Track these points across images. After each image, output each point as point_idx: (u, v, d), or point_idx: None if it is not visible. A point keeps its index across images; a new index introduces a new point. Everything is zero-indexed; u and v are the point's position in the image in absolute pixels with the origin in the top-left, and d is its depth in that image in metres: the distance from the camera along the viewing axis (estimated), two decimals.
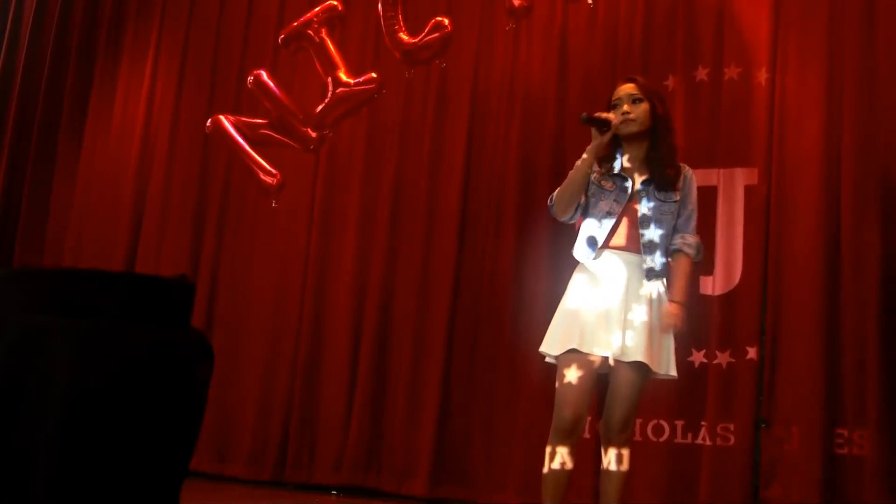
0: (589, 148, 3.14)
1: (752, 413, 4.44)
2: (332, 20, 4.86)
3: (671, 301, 3.11)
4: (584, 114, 3.18)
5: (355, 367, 5.22)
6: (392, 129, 5.41)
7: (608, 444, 3.09)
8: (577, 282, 3.17)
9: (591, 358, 3.04)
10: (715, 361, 4.53)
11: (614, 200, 3.17)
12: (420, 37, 4.65)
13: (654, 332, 3.06)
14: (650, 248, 3.12)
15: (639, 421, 4.58)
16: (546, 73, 5.10)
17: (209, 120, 5.05)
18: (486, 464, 4.85)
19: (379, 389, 5.16)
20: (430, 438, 4.93)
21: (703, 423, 4.51)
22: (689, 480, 4.48)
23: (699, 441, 4.51)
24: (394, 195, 5.34)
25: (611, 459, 3.07)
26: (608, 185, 3.20)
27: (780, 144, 4.61)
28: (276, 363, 5.41)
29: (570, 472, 3.04)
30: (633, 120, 3.18)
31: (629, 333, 3.04)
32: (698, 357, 4.60)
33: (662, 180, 3.15)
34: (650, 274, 3.10)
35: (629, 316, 3.05)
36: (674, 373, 3.12)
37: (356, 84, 4.75)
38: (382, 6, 4.70)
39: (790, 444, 4.37)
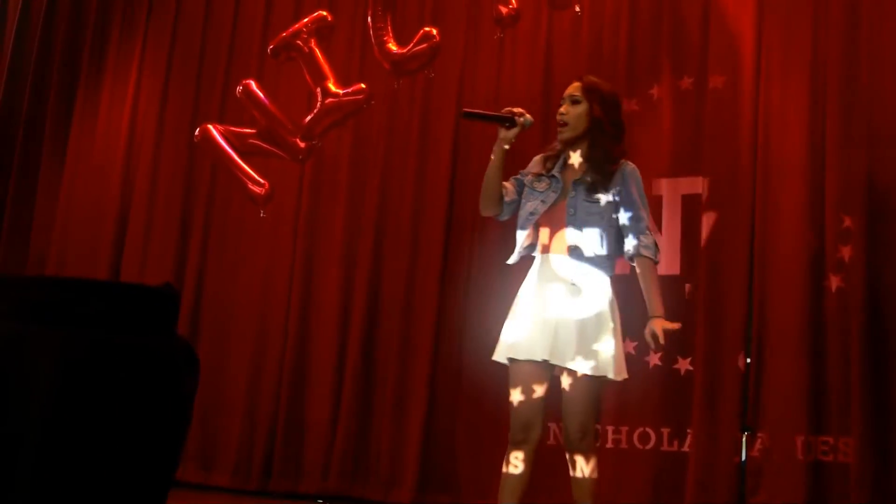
0: (495, 145, 3.15)
1: (737, 420, 4.47)
2: (321, 30, 4.85)
3: (653, 317, 3.07)
4: (465, 109, 3.20)
5: (341, 375, 5.21)
6: (378, 137, 5.41)
7: (571, 452, 3.08)
8: (523, 288, 3.20)
9: (533, 364, 3.06)
10: (701, 369, 4.55)
11: (541, 201, 3.17)
12: (408, 47, 4.66)
13: (590, 334, 3.03)
14: (576, 251, 3.09)
15: (624, 429, 4.60)
16: (531, 82, 5.12)
17: (197, 129, 5.03)
18: (472, 471, 4.85)
19: (365, 398, 5.15)
20: (416, 446, 4.93)
21: (688, 430, 4.52)
22: (675, 488, 4.49)
23: (685, 448, 4.52)
24: (379, 203, 5.34)
25: (579, 467, 3.06)
26: (541, 186, 3.20)
27: (765, 153, 4.64)
28: (261, 372, 5.39)
29: (524, 477, 3.04)
30: (565, 125, 3.18)
31: (567, 338, 3.02)
32: (684, 365, 4.62)
33: (590, 182, 3.13)
34: (577, 278, 3.07)
35: (566, 320, 3.04)
36: (624, 376, 3.09)
37: (345, 94, 4.75)
38: (372, 17, 4.70)
39: (775, 451, 4.38)
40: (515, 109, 3.13)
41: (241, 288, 5.56)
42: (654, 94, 4.90)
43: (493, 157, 3.16)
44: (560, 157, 3.23)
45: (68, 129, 6.13)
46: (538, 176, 3.22)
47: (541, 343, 3.04)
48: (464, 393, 4.99)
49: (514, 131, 3.12)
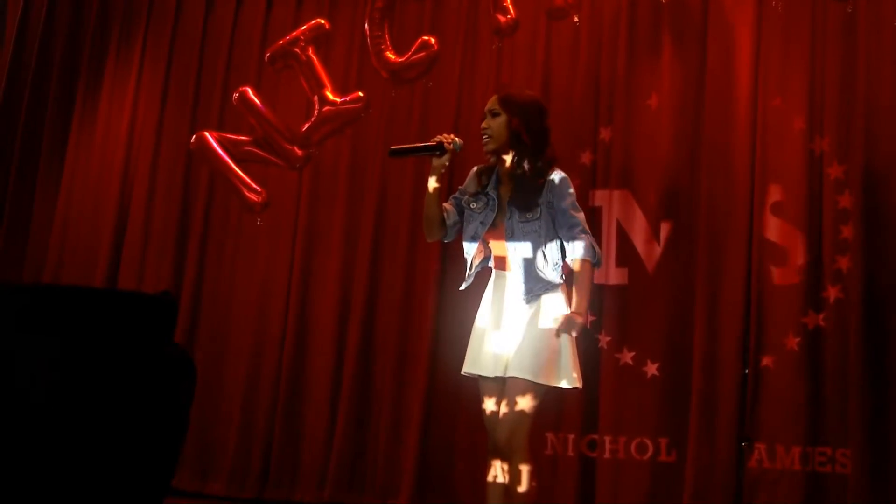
0: (430, 174, 3.23)
1: (735, 431, 4.46)
2: (318, 38, 4.86)
3: (573, 312, 3.09)
4: (392, 147, 3.33)
5: (338, 383, 5.20)
6: (376, 145, 5.41)
7: (494, 457, 3.12)
8: (481, 303, 3.28)
9: (489, 379, 3.16)
10: (699, 379, 4.54)
11: (480, 223, 3.23)
12: (406, 56, 4.66)
13: (537, 345, 3.07)
14: (520, 268, 3.16)
15: (622, 439, 4.60)
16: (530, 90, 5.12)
17: (193, 136, 5.03)
18: (469, 479, 4.84)
19: (362, 406, 5.14)
20: (413, 455, 4.92)
21: (686, 441, 4.51)
22: (672, 498, 4.49)
23: (683, 459, 4.52)
24: (377, 212, 5.34)
25: (498, 474, 3.09)
26: (478, 206, 3.24)
27: (763, 162, 4.66)
28: (258, 380, 5.38)
29: (503, 485, 3.09)
30: (490, 138, 3.23)
31: (510, 350, 3.11)
32: (681, 374, 4.61)
33: (520, 199, 3.16)
34: (527, 296, 3.14)
35: (511, 333, 3.13)
36: (575, 385, 3.12)
37: (343, 103, 4.75)
38: (369, 26, 4.71)
39: (773, 462, 4.38)
40: (444, 137, 3.20)
41: (238, 296, 5.55)
42: (653, 104, 4.91)
43: (428, 185, 3.23)
44: (494, 170, 3.28)
45: (66, 137, 6.11)
46: (475, 196, 3.27)
47: (489, 356, 3.16)
48: (461, 401, 4.97)
49: (446, 157, 3.19)
